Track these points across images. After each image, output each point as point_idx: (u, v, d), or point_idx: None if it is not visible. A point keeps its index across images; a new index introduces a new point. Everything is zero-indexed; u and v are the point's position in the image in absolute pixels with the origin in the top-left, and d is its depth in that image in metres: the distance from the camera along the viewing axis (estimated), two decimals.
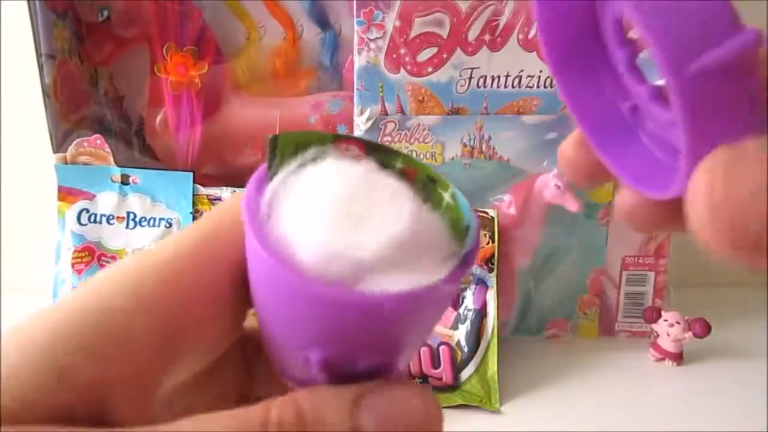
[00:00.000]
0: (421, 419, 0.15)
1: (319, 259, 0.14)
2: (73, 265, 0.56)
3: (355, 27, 0.54)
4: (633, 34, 0.16)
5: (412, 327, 0.16)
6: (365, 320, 0.14)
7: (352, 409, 0.15)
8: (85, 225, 0.57)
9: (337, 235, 0.14)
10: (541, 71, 0.55)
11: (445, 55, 0.54)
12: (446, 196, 0.17)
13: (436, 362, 0.52)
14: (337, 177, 0.15)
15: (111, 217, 0.57)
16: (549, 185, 0.55)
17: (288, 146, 0.16)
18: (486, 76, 0.55)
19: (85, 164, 0.57)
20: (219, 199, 0.57)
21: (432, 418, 0.15)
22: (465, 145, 0.56)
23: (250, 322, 0.18)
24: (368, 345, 0.15)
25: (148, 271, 0.15)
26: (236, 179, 0.59)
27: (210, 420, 0.14)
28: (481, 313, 0.53)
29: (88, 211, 0.57)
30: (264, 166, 0.16)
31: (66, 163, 0.57)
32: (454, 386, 0.51)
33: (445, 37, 0.54)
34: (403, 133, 0.56)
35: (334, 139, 0.17)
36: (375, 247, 0.14)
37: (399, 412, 0.15)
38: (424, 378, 0.51)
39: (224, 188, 0.57)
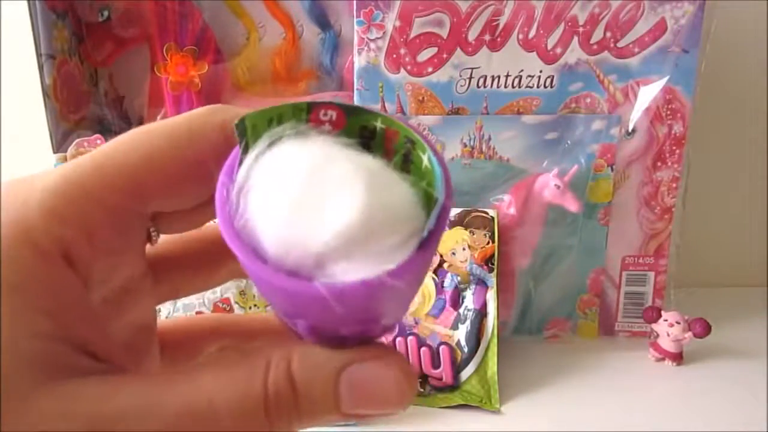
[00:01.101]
0: (392, 401, 0.16)
1: (279, 249, 0.15)
2: None
3: (355, 27, 0.54)
4: None
5: (381, 305, 0.16)
6: (327, 306, 0.15)
7: (335, 380, 0.16)
8: None
9: (294, 226, 0.14)
10: (541, 71, 0.55)
11: (445, 55, 0.54)
12: (424, 159, 0.16)
13: (436, 362, 0.52)
14: (297, 160, 0.15)
15: None
16: (549, 185, 0.55)
17: (260, 125, 0.16)
18: (486, 76, 0.55)
19: None
20: None
21: (402, 400, 0.16)
22: (465, 145, 0.56)
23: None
24: (342, 320, 0.15)
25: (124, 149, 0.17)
26: None
27: (210, 385, 0.15)
28: (481, 313, 0.53)
29: None
30: (236, 150, 0.16)
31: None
32: (454, 386, 0.51)
33: (445, 37, 0.54)
34: None
35: (309, 107, 0.16)
36: (328, 237, 0.14)
37: (374, 392, 0.16)
38: (424, 378, 0.51)
39: None
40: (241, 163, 0.15)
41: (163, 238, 0.20)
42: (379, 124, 0.17)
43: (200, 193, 0.17)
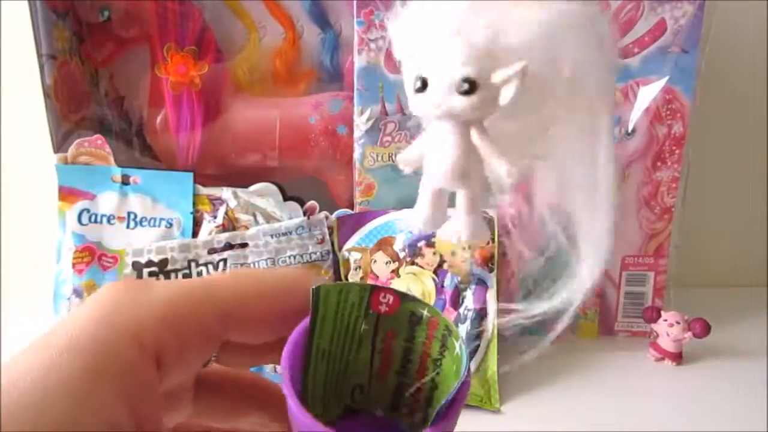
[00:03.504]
0: None
1: None
2: (73, 265, 0.56)
3: (355, 27, 0.54)
4: None
5: None
6: None
7: None
8: (86, 225, 0.57)
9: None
10: None
11: None
12: (456, 346, 0.19)
13: None
14: None
15: (111, 217, 0.57)
16: None
17: (332, 294, 0.19)
18: None
19: (85, 164, 0.57)
20: (219, 199, 0.57)
21: None
22: None
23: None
24: None
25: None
26: (236, 179, 0.59)
27: None
28: (481, 313, 0.53)
29: (88, 211, 0.57)
30: (304, 325, 0.19)
31: (66, 163, 0.57)
32: None
33: None
34: (403, 133, 0.56)
35: (372, 289, 0.20)
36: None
37: None
38: None
39: (224, 188, 0.58)
40: (313, 327, 0.19)
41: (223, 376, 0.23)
42: (426, 313, 0.20)
43: (271, 334, 0.21)
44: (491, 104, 0.17)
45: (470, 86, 0.16)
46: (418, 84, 0.17)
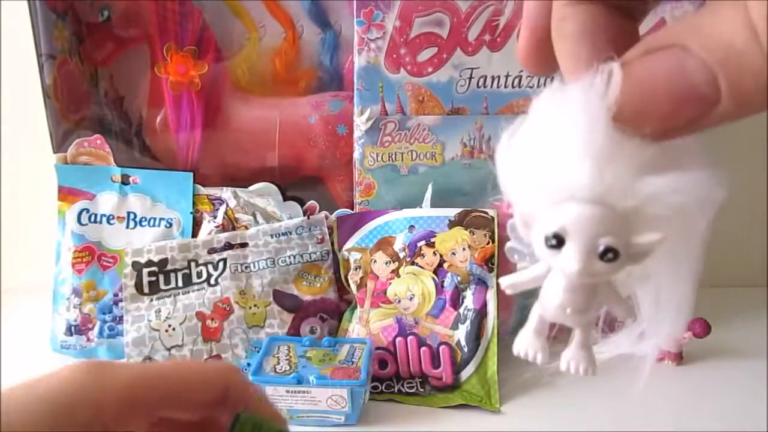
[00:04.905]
0: None
1: None
2: (73, 265, 0.56)
3: (355, 27, 0.54)
4: None
5: None
6: None
7: None
8: (86, 225, 0.57)
9: None
10: None
11: (445, 55, 0.54)
12: None
13: (436, 362, 0.52)
14: None
15: (111, 217, 0.57)
16: None
17: (246, 427, 0.24)
18: (486, 76, 0.55)
19: (85, 164, 0.57)
20: (219, 199, 0.57)
21: None
22: (465, 145, 0.56)
23: None
24: None
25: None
26: (236, 179, 0.59)
27: None
28: (481, 313, 0.53)
29: (88, 211, 0.57)
30: None
31: (66, 163, 0.57)
32: (454, 386, 0.51)
33: (445, 37, 0.54)
34: (403, 133, 0.56)
35: None
36: None
37: None
38: (424, 378, 0.51)
39: (224, 188, 0.58)
40: None
41: None
42: None
43: (196, 414, 0.25)
44: (627, 264, 0.17)
45: (614, 255, 0.16)
46: (553, 242, 0.17)
